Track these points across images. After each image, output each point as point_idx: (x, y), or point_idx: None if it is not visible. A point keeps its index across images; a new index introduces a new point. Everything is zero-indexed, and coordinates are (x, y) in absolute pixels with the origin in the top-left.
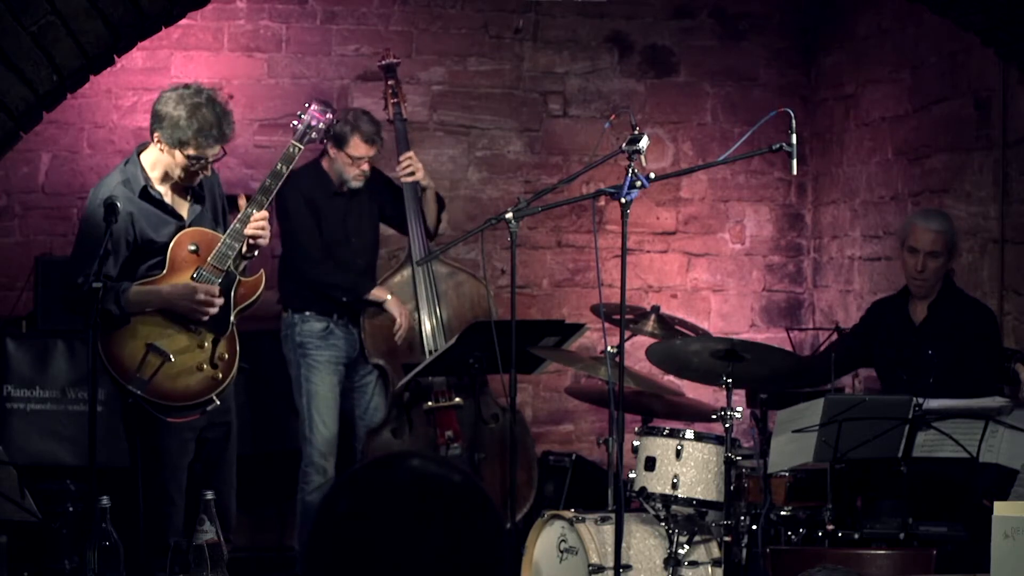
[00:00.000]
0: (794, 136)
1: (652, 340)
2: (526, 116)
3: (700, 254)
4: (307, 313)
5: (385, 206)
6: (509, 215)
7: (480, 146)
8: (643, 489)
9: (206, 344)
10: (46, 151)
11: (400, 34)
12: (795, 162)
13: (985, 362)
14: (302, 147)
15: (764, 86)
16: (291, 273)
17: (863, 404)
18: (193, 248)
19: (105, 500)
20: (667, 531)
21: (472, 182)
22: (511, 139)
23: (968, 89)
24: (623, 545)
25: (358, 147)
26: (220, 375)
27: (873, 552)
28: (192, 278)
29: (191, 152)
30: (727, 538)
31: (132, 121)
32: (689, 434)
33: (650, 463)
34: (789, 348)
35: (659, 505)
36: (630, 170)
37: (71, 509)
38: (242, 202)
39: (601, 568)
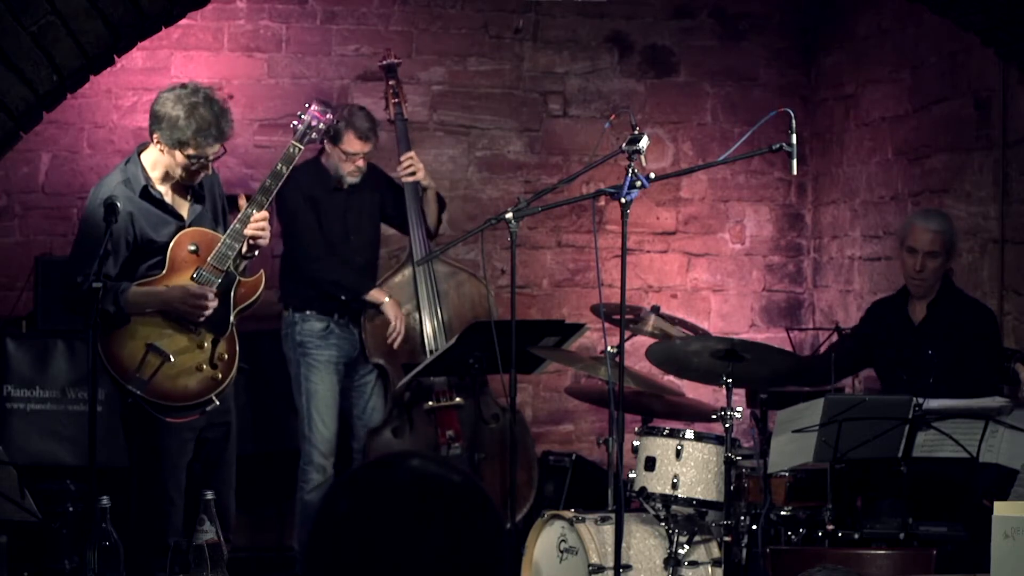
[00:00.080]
0: (794, 136)
1: (652, 340)
2: (526, 116)
3: (700, 254)
4: (307, 312)
5: (386, 205)
6: (509, 215)
7: (480, 146)
8: (643, 489)
9: (206, 344)
10: (46, 151)
11: (400, 34)
12: (795, 162)
13: (984, 362)
14: (302, 147)
15: (764, 86)
16: (292, 272)
17: (863, 404)
18: (193, 248)
19: (105, 500)
20: (667, 531)
21: (472, 182)
22: (511, 139)
23: (968, 89)
24: (623, 545)
25: (352, 143)
26: (220, 375)
27: (873, 552)
28: (192, 278)
29: (191, 152)
30: (727, 538)
31: (132, 121)
32: (689, 434)
33: (650, 463)
34: (789, 348)
35: (659, 505)
36: (630, 170)
37: (71, 509)
38: (242, 202)
39: (601, 568)
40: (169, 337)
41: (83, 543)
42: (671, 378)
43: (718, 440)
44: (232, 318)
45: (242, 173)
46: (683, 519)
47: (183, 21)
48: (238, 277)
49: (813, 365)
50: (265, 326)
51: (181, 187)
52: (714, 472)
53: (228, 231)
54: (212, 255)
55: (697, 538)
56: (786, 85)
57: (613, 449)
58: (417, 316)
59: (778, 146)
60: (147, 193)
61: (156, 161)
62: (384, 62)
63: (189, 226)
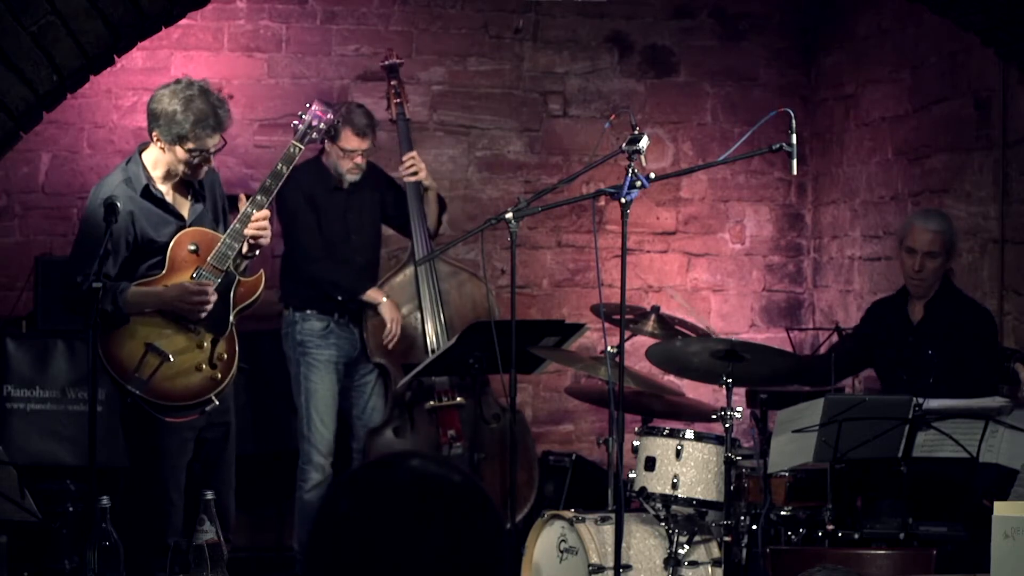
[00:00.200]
0: (794, 136)
1: (652, 340)
2: (526, 116)
3: (700, 254)
4: (308, 312)
5: (387, 205)
6: (509, 215)
7: (480, 146)
8: (643, 489)
9: (205, 344)
10: (46, 151)
11: (400, 34)
12: (795, 162)
13: (982, 362)
14: (303, 147)
15: (764, 86)
16: (292, 271)
17: (863, 404)
18: (193, 248)
19: (105, 500)
20: (667, 531)
21: (472, 182)
22: (511, 139)
23: (968, 89)
24: (623, 545)
25: (350, 140)
26: (219, 375)
27: (873, 552)
28: (192, 278)
29: (191, 145)
30: (727, 538)
31: (132, 121)
32: (689, 434)
33: (650, 463)
34: (789, 348)
35: (659, 505)
36: (630, 170)
37: (71, 509)
38: (242, 202)
39: (601, 568)
40: (168, 337)
41: (83, 543)
42: (671, 378)
43: (718, 440)
44: (231, 318)
45: (242, 173)
46: (683, 519)
47: (183, 21)
48: (238, 277)
49: (813, 365)
50: (265, 326)
51: (182, 187)
52: (714, 472)
53: (228, 231)
54: (212, 255)
55: (697, 538)
56: (786, 85)
57: (613, 449)
58: (419, 316)
59: (778, 146)
60: (148, 192)
61: (157, 160)
62: (386, 62)
63: (190, 226)
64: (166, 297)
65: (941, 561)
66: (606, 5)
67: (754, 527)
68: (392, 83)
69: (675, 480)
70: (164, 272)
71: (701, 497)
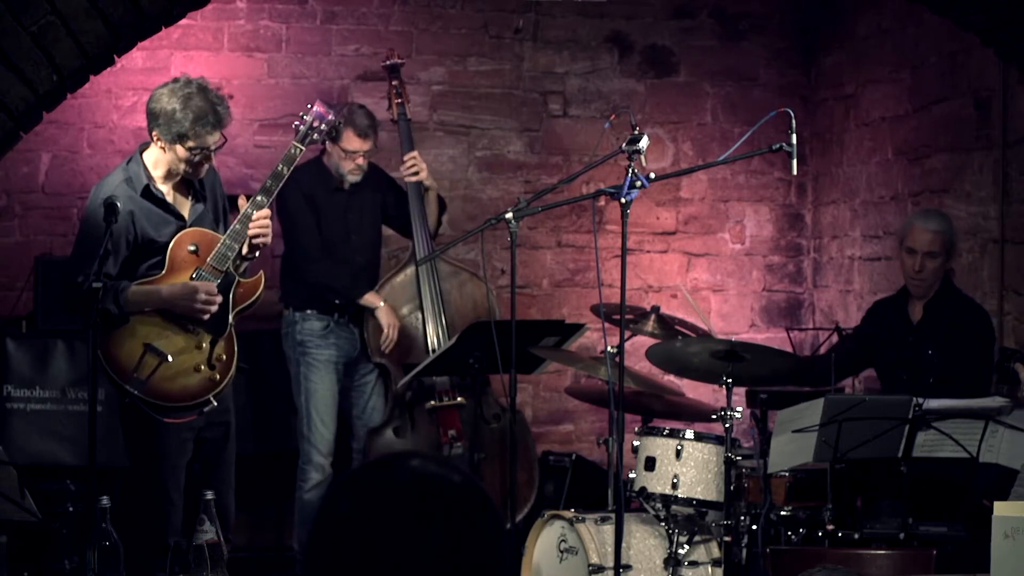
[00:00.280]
0: (794, 136)
1: (652, 340)
2: (526, 116)
3: (700, 254)
4: (308, 312)
5: (388, 206)
6: (509, 215)
7: (480, 146)
8: (643, 489)
9: (204, 345)
10: (46, 151)
11: (400, 34)
12: (795, 162)
13: (976, 361)
14: (304, 148)
15: (764, 86)
16: (292, 271)
17: (863, 404)
18: (193, 248)
19: (105, 500)
20: (667, 531)
21: (472, 182)
22: (511, 139)
23: (968, 89)
24: (623, 545)
25: (351, 140)
26: (218, 376)
27: (873, 552)
28: (191, 278)
29: (191, 144)
30: (727, 538)
31: (132, 121)
32: (689, 434)
33: (650, 463)
34: (789, 348)
35: (659, 505)
36: (630, 170)
37: (71, 509)
38: (242, 202)
39: (601, 568)
40: (167, 337)
41: (83, 543)
42: (671, 378)
43: (718, 440)
44: (231, 319)
45: (242, 173)
46: (683, 519)
47: (183, 21)
48: (237, 278)
49: (814, 366)
50: (265, 326)
51: (182, 187)
52: (714, 472)
53: (228, 232)
54: (212, 255)
55: (697, 538)
56: (786, 85)
57: (613, 449)
58: (419, 316)
59: (778, 146)
60: (149, 192)
61: (158, 159)
62: (387, 62)
63: (190, 226)
64: (170, 296)
65: (941, 561)
66: (606, 5)
67: (754, 527)
68: (393, 83)
69: (675, 480)
70: (164, 272)
71: (701, 497)
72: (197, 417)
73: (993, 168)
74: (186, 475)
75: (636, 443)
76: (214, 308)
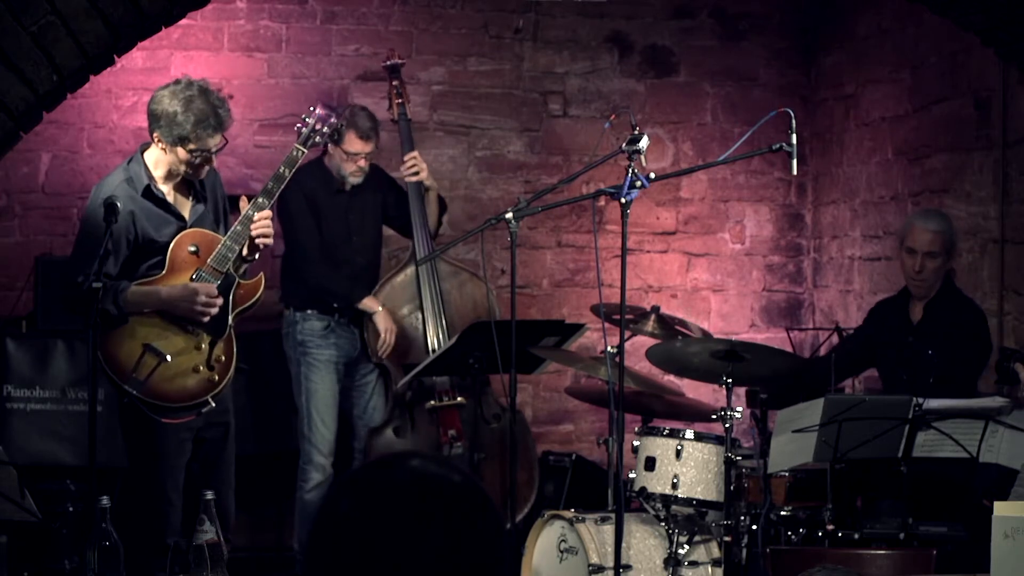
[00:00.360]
0: (794, 136)
1: (652, 340)
2: (526, 116)
3: (700, 254)
4: (308, 312)
5: (388, 206)
6: (509, 215)
7: (480, 146)
8: (643, 489)
9: (203, 346)
10: (46, 151)
11: (400, 34)
12: (795, 162)
13: (970, 361)
14: (305, 150)
15: (764, 86)
16: (292, 272)
17: (863, 404)
18: (193, 249)
19: (105, 500)
20: (667, 531)
21: (472, 182)
22: (511, 139)
23: (968, 89)
24: (623, 545)
25: (353, 143)
26: (216, 377)
27: (873, 552)
28: (191, 279)
29: (192, 146)
30: (727, 538)
31: (132, 121)
32: (689, 434)
33: (650, 463)
34: (789, 348)
35: (659, 505)
36: (630, 170)
37: (71, 509)
38: (243, 203)
39: (601, 568)
40: (167, 338)
41: (83, 543)
42: (671, 378)
43: (718, 440)
44: (230, 320)
45: (242, 173)
46: (683, 519)
47: (183, 21)
48: (237, 279)
49: (814, 368)
50: (265, 326)
51: (183, 187)
52: (714, 472)
53: (228, 233)
54: (212, 257)
55: (697, 538)
56: (786, 85)
57: (613, 449)
58: (419, 316)
59: (778, 146)
60: (149, 192)
61: (159, 160)
62: (388, 62)
63: (190, 227)
64: (170, 296)
65: (941, 561)
66: (606, 5)
67: (754, 527)
68: (394, 83)
69: (675, 480)
70: (164, 272)
71: (701, 497)
72: (195, 418)
73: (993, 168)
74: (185, 475)
75: (636, 443)
76: (214, 310)
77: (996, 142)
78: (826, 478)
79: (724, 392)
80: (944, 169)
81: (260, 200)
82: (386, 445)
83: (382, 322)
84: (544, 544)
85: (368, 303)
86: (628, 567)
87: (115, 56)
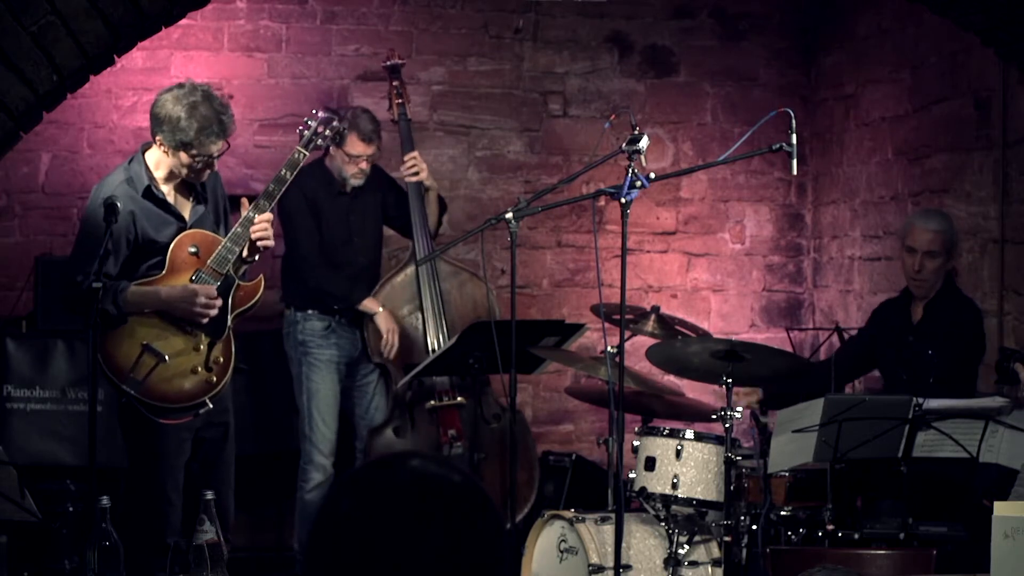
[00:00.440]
0: (794, 136)
1: (652, 340)
2: (526, 116)
3: (700, 254)
4: (309, 312)
5: (388, 206)
6: (509, 215)
7: (480, 146)
8: (643, 489)
9: (202, 347)
10: (46, 151)
11: (400, 34)
12: (795, 162)
13: (968, 360)
14: (307, 153)
15: (764, 86)
16: (292, 272)
17: (863, 404)
18: (193, 250)
19: (105, 500)
20: (667, 531)
21: (472, 182)
22: (511, 139)
23: (968, 89)
24: (623, 545)
25: (355, 145)
26: (214, 378)
27: (873, 552)
28: (191, 280)
29: (195, 152)
30: (727, 538)
31: (132, 121)
32: (689, 434)
33: (650, 463)
34: (789, 348)
35: (659, 505)
36: (630, 170)
37: (71, 509)
38: (244, 205)
39: (601, 568)
40: (165, 339)
41: (83, 543)
42: (671, 378)
43: (718, 440)
44: (229, 322)
45: (242, 173)
46: (683, 519)
47: (183, 21)
48: (237, 281)
49: (817, 370)
50: (265, 326)
51: (184, 188)
52: (714, 472)
53: (229, 234)
54: (212, 258)
55: (697, 538)
56: (786, 85)
57: (613, 449)
58: (419, 316)
59: (778, 146)
60: (150, 193)
61: (160, 161)
62: (388, 62)
63: (191, 227)
64: (169, 297)
65: (941, 561)
66: (606, 5)
67: (754, 527)
68: (394, 83)
69: (675, 480)
70: (164, 273)
71: (701, 497)
72: (193, 419)
73: (993, 168)
74: (185, 475)
75: (636, 443)
76: (213, 312)
77: (996, 142)
78: (826, 478)
79: (724, 392)
80: (944, 169)
81: (261, 202)
82: (386, 445)
83: (384, 323)
84: (544, 544)
85: (369, 304)
86: (628, 567)
87: (115, 56)
